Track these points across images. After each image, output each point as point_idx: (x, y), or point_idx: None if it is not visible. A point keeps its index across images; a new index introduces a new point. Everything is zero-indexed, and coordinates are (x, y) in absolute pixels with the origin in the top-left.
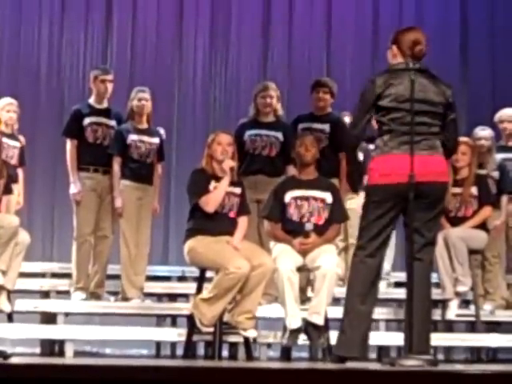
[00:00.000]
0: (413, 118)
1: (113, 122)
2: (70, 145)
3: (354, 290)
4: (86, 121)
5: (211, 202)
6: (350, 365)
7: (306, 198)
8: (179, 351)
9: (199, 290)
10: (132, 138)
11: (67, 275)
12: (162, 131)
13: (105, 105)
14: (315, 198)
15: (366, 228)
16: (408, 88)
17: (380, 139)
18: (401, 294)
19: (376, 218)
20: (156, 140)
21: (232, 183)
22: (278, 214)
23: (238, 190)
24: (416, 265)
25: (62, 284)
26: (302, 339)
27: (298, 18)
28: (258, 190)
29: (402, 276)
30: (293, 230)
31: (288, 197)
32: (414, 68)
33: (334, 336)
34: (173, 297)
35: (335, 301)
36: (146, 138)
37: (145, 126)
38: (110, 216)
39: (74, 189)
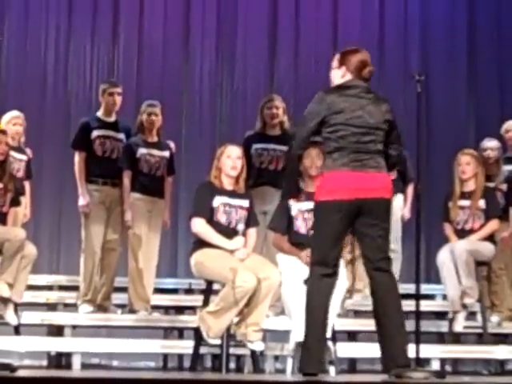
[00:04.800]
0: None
1: (121, 135)
2: (78, 157)
3: (313, 310)
4: (95, 134)
5: (200, 232)
6: (357, 378)
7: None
8: (186, 363)
9: (206, 302)
10: (141, 151)
11: (74, 288)
12: (171, 144)
13: (113, 118)
14: None
15: (318, 245)
16: (357, 106)
17: (329, 157)
18: (406, 305)
19: (325, 235)
20: (166, 153)
21: (240, 196)
22: (285, 226)
23: (246, 203)
24: (380, 275)
25: (69, 297)
26: None
27: (305, 30)
28: (265, 202)
29: (408, 288)
30: (300, 243)
31: (295, 209)
32: (361, 86)
33: (340, 348)
34: (180, 309)
35: (342, 313)
36: (155, 152)
37: (155, 139)
38: (119, 228)
39: (82, 201)
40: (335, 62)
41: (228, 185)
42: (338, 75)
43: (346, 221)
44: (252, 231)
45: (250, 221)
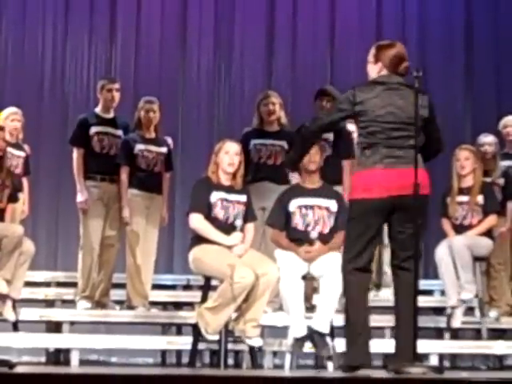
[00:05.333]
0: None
1: (119, 132)
2: (76, 153)
3: (352, 303)
4: (93, 130)
5: (198, 228)
6: (355, 373)
7: (311, 207)
8: (185, 360)
9: (204, 298)
10: (139, 147)
11: (72, 284)
12: (169, 140)
13: (111, 114)
14: (320, 207)
15: (351, 243)
16: (386, 102)
17: (361, 154)
18: None
19: (360, 234)
20: (163, 149)
21: (237, 191)
22: (283, 222)
23: (243, 198)
24: (402, 274)
25: (67, 293)
26: (308, 347)
27: (302, 27)
28: (264, 197)
29: None
30: (298, 239)
31: (293, 205)
32: (395, 82)
33: (339, 344)
34: (178, 305)
35: (341, 308)
36: (153, 148)
37: (152, 135)
38: (117, 225)
39: (80, 197)
40: (371, 57)
41: (225, 180)
42: (375, 71)
43: (380, 219)
44: (250, 226)
45: (248, 216)
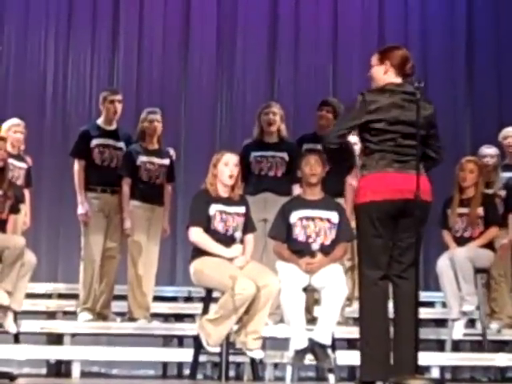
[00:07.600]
0: (417, 141)
1: (121, 144)
2: (77, 165)
3: (375, 314)
4: (94, 142)
5: (198, 241)
6: None
7: (312, 219)
8: (186, 372)
9: (205, 310)
10: (142, 159)
11: (73, 296)
12: (171, 152)
13: (113, 126)
14: (321, 219)
15: (368, 248)
16: (399, 111)
17: (369, 158)
18: None
19: (376, 236)
20: (166, 161)
21: (235, 203)
22: (285, 234)
23: (242, 210)
24: (402, 283)
25: (68, 305)
26: (309, 359)
27: (305, 38)
28: (265, 209)
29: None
30: (299, 250)
31: (294, 217)
32: (404, 90)
33: (340, 356)
34: (179, 317)
35: (342, 320)
36: (155, 160)
37: (155, 146)
38: (118, 236)
39: (81, 209)
40: (375, 61)
41: (223, 192)
42: (381, 71)
43: (391, 222)
44: (249, 238)
45: (247, 227)
